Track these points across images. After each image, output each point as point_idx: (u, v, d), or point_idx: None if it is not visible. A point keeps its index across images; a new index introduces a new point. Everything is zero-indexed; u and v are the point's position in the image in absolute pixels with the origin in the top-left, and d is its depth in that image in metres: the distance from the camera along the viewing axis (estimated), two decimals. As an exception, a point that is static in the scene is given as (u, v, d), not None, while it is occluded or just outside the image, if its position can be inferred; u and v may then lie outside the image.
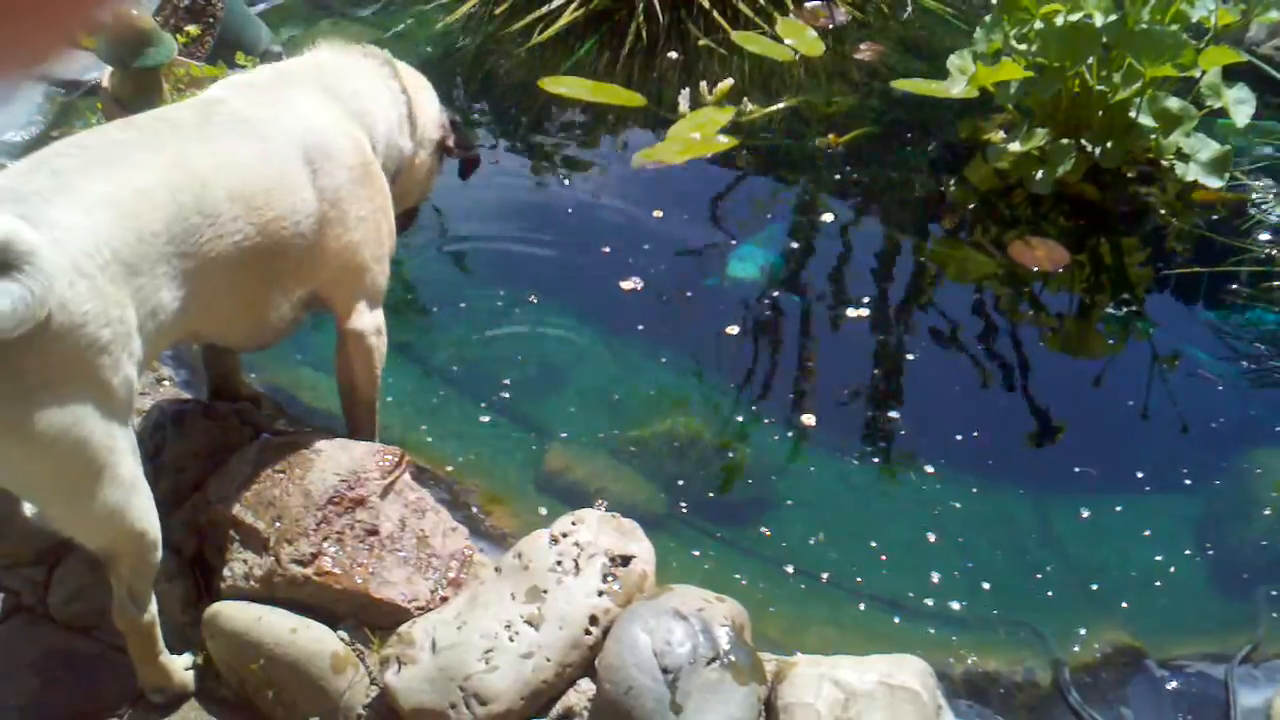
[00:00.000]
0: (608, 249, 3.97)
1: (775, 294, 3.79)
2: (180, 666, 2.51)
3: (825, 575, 2.88)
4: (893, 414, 3.34)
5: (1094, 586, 2.84)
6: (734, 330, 3.62)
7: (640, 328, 3.65)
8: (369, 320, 2.77)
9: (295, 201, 2.47)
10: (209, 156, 2.35)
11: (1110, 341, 3.68)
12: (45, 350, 1.99)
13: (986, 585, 2.84)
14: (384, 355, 2.83)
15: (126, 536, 2.24)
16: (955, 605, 2.79)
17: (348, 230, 2.61)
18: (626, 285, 3.77)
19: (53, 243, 1.99)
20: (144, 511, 2.26)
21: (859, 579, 2.87)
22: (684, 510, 3.04)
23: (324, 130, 2.56)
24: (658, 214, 4.13)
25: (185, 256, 2.25)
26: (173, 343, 2.63)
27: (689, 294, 3.82)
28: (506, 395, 3.34)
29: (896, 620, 2.78)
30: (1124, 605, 2.80)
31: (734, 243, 4.02)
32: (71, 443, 2.07)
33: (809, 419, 3.31)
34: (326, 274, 2.64)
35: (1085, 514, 3.02)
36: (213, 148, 2.38)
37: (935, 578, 2.85)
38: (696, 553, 2.92)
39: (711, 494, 3.09)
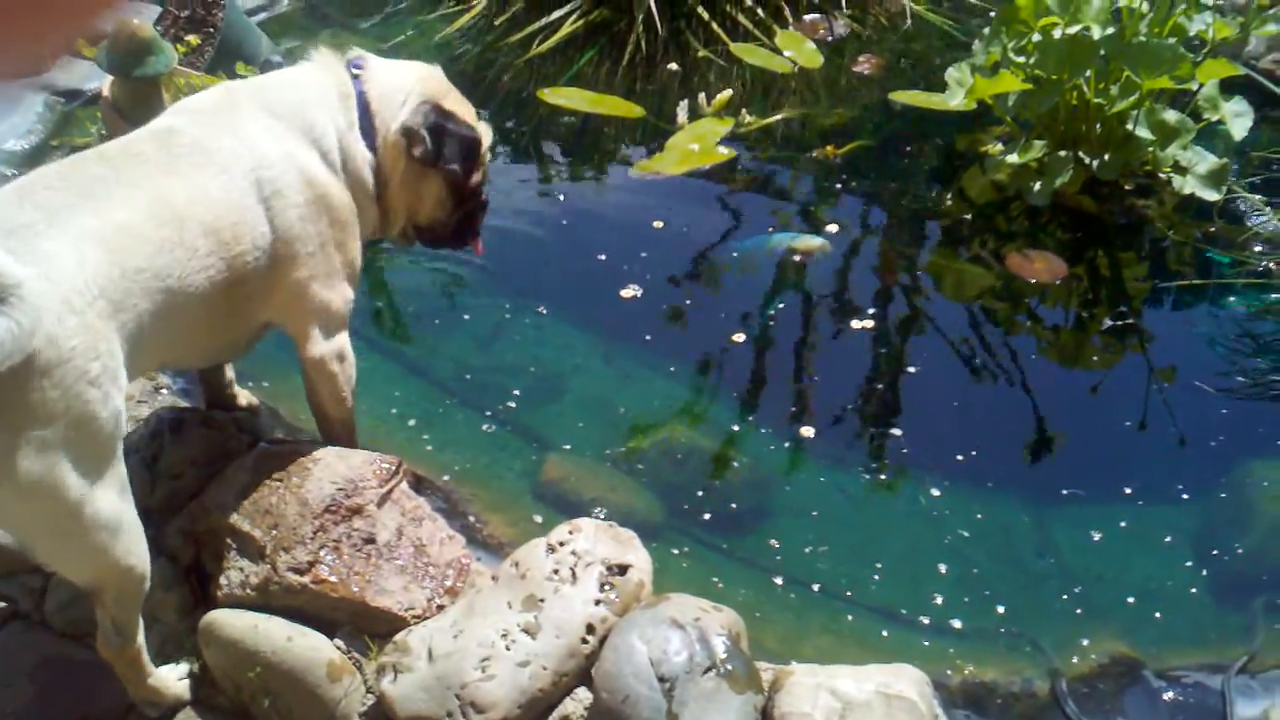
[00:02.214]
0: (607, 258, 3.98)
1: (773, 305, 3.79)
2: (172, 682, 2.50)
3: (822, 585, 2.87)
4: (890, 425, 3.34)
5: (1091, 597, 2.84)
6: (732, 341, 3.63)
7: (638, 337, 3.65)
8: (326, 347, 2.69)
9: (255, 235, 2.44)
10: (183, 191, 2.34)
11: (1108, 353, 3.68)
12: (32, 385, 1.96)
13: (984, 595, 2.84)
14: (351, 379, 2.76)
15: (111, 572, 2.23)
16: (952, 615, 2.79)
17: (296, 265, 2.55)
18: (625, 294, 3.78)
19: (43, 277, 1.98)
20: (130, 547, 2.23)
21: (856, 589, 2.87)
22: (681, 520, 3.04)
23: (273, 164, 2.49)
24: (658, 224, 4.14)
25: (166, 291, 2.25)
26: (151, 371, 2.65)
27: (687, 304, 3.83)
28: (504, 404, 3.34)
29: (894, 630, 2.78)
30: (1121, 616, 2.79)
31: (735, 255, 4.03)
32: (56, 481, 2.03)
33: (806, 430, 3.31)
34: (278, 304, 2.60)
35: (1082, 525, 3.02)
36: (185, 182, 2.36)
37: (933, 588, 2.85)
38: (694, 562, 2.92)
39: (709, 504, 3.09)
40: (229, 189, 2.41)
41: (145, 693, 2.45)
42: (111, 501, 2.16)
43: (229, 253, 2.39)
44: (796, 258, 3.95)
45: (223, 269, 2.38)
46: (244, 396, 3.08)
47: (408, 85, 2.76)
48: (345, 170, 2.63)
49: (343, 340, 2.72)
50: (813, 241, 4.02)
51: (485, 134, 2.91)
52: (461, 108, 2.85)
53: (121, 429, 2.17)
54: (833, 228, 4.16)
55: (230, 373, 3.05)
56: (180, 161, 2.39)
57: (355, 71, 2.71)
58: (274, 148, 2.51)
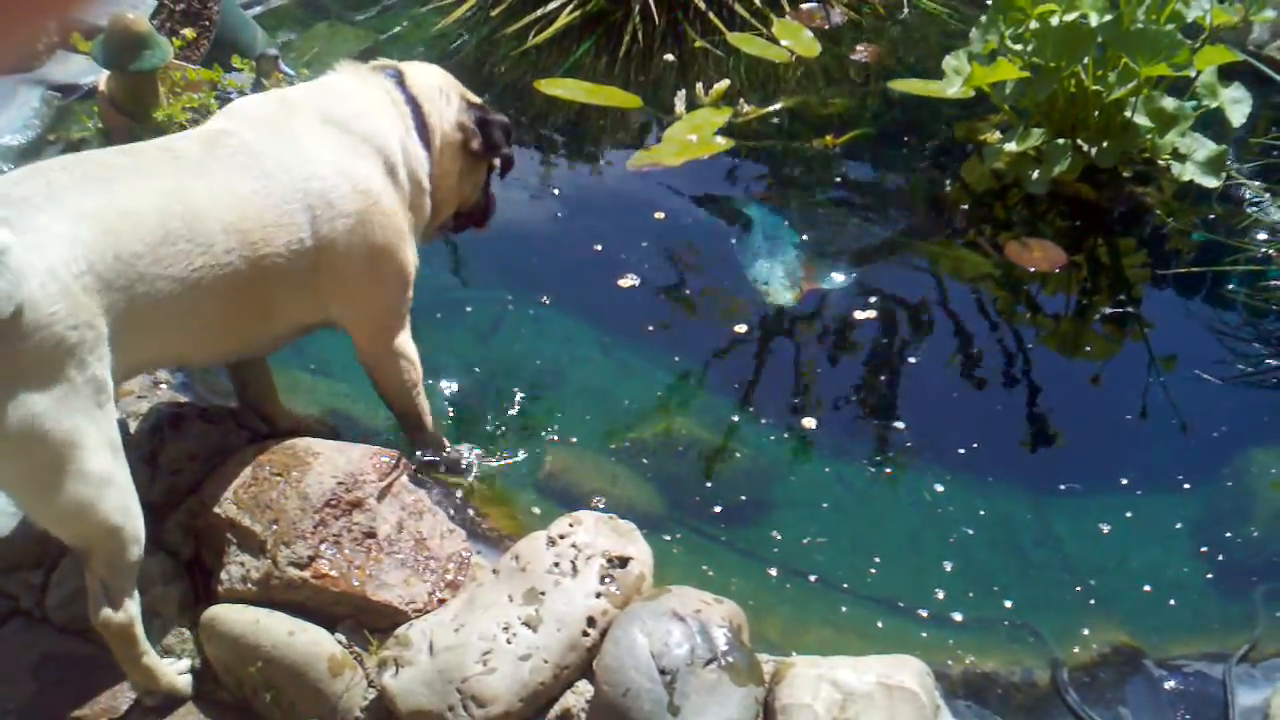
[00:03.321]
0: (606, 250, 3.98)
1: (771, 297, 3.78)
2: (167, 670, 2.50)
3: (823, 576, 2.87)
4: (890, 415, 3.34)
5: (1092, 586, 2.84)
6: (731, 332, 3.62)
7: (639, 329, 3.65)
8: (383, 346, 2.86)
9: (292, 241, 2.53)
10: (207, 189, 2.43)
11: (1107, 342, 3.68)
12: (12, 346, 2.08)
13: (985, 585, 2.84)
14: (414, 370, 2.91)
15: (98, 531, 2.27)
16: (953, 605, 2.79)
17: (344, 274, 2.66)
18: (625, 285, 3.77)
19: (32, 246, 2.10)
20: (117, 507, 2.28)
21: (857, 580, 2.87)
22: (682, 512, 3.04)
23: (326, 175, 2.59)
24: (659, 215, 4.13)
25: (171, 279, 2.33)
26: (159, 361, 2.71)
27: (687, 294, 3.83)
28: (505, 397, 3.34)
29: (894, 621, 2.77)
30: (1122, 605, 2.80)
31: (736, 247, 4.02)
32: (35, 436, 2.14)
33: (806, 421, 3.31)
34: (326, 308, 2.73)
35: (1083, 514, 3.02)
36: (212, 181, 2.45)
37: (933, 578, 2.85)
38: (694, 554, 2.92)
39: (710, 496, 3.09)
40: (268, 193, 2.50)
41: (139, 674, 2.45)
42: (98, 460, 2.23)
43: (255, 253, 2.47)
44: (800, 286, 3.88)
45: (243, 268, 2.45)
46: (288, 418, 3.04)
47: (441, 84, 2.93)
48: (407, 174, 2.76)
49: (399, 341, 2.87)
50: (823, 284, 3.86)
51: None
52: (474, 97, 3.03)
53: (104, 394, 2.24)
54: (824, 218, 4.16)
55: (272, 381, 3.03)
56: (216, 163, 2.49)
57: (394, 78, 2.84)
58: (328, 158, 2.61)
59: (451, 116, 2.90)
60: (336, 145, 2.64)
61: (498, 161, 3.09)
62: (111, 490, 2.26)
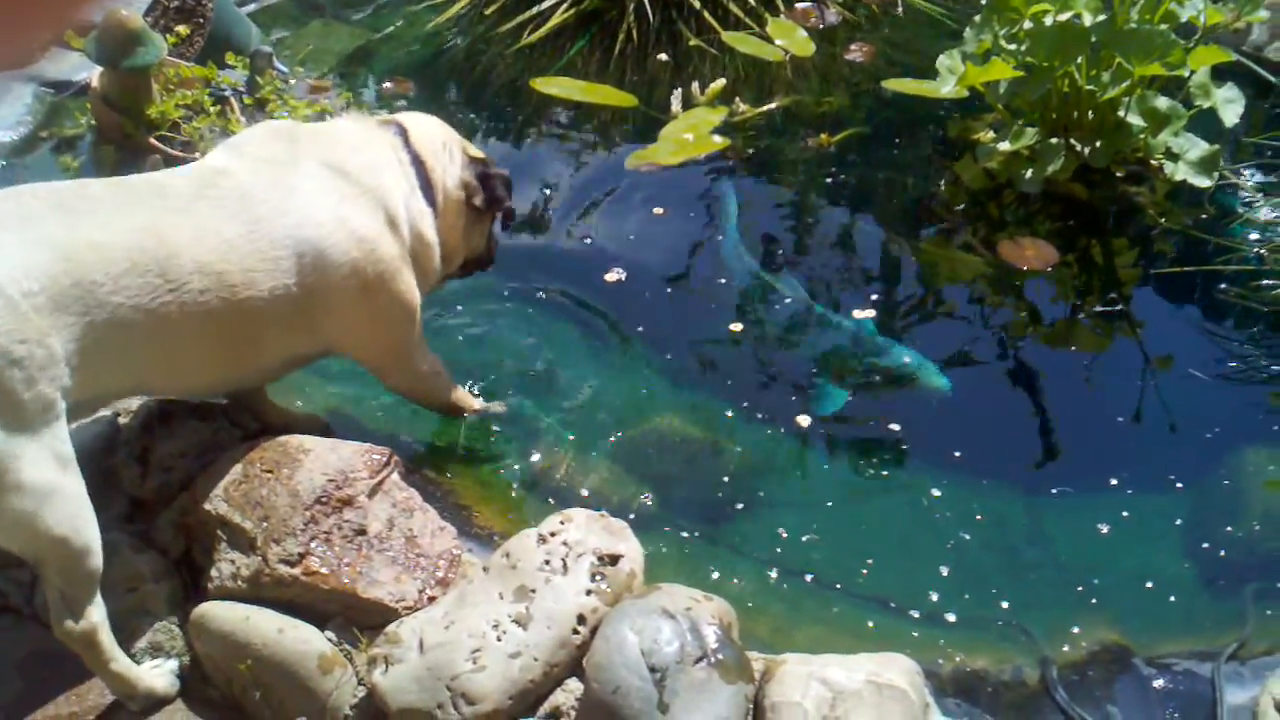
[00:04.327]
0: (601, 248, 3.98)
1: (766, 293, 3.78)
2: (143, 674, 2.49)
3: (813, 574, 2.87)
4: (882, 414, 3.34)
5: (1082, 585, 2.83)
6: (724, 330, 3.62)
7: (631, 326, 3.65)
8: (404, 378, 3.07)
9: (277, 286, 2.57)
10: (191, 228, 2.46)
11: (1099, 341, 3.68)
12: None
13: (975, 584, 2.84)
14: (440, 381, 3.11)
15: (44, 542, 2.27)
16: (943, 604, 2.79)
17: (347, 326, 2.78)
18: (619, 283, 3.77)
19: None
20: (64, 518, 2.28)
21: (847, 578, 2.86)
22: (673, 510, 3.04)
23: (322, 222, 2.63)
24: (658, 210, 4.14)
25: (136, 309, 2.36)
26: (136, 388, 2.71)
27: (681, 293, 3.83)
28: (495, 394, 3.34)
29: (885, 619, 2.77)
30: (1112, 603, 2.79)
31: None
32: None
33: (798, 419, 3.30)
34: (343, 348, 2.89)
35: (1074, 513, 3.03)
36: (197, 221, 2.49)
37: (923, 577, 2.85)
38: (685, 552, 2.92)
39: (700, 493, 3.09)
40: (254, 238, 2.53)
41: (113, 681, 2.45)
42: (40, 472, 2.23)
43: (234, 295, 2.50)
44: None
45: (221, 307, 2.48)
46: (280, 414, 3.06)
47: (444, 139, 3.00)
48: (410, 229, 2.81)
49: (418, 366, 3.02)
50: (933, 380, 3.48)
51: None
52: (473, 150, 3.13)
53: (54, 413, 2.26)
54: (818, 216, 4.16)
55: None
56: (205, 204, 2.52)
57: (399, 135, 2.90)
58: (327, 205, 2.65)
59: (455, 173, 2.99)
60: (338, 195, 2.68)
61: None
62: (54, 502, 2.26)
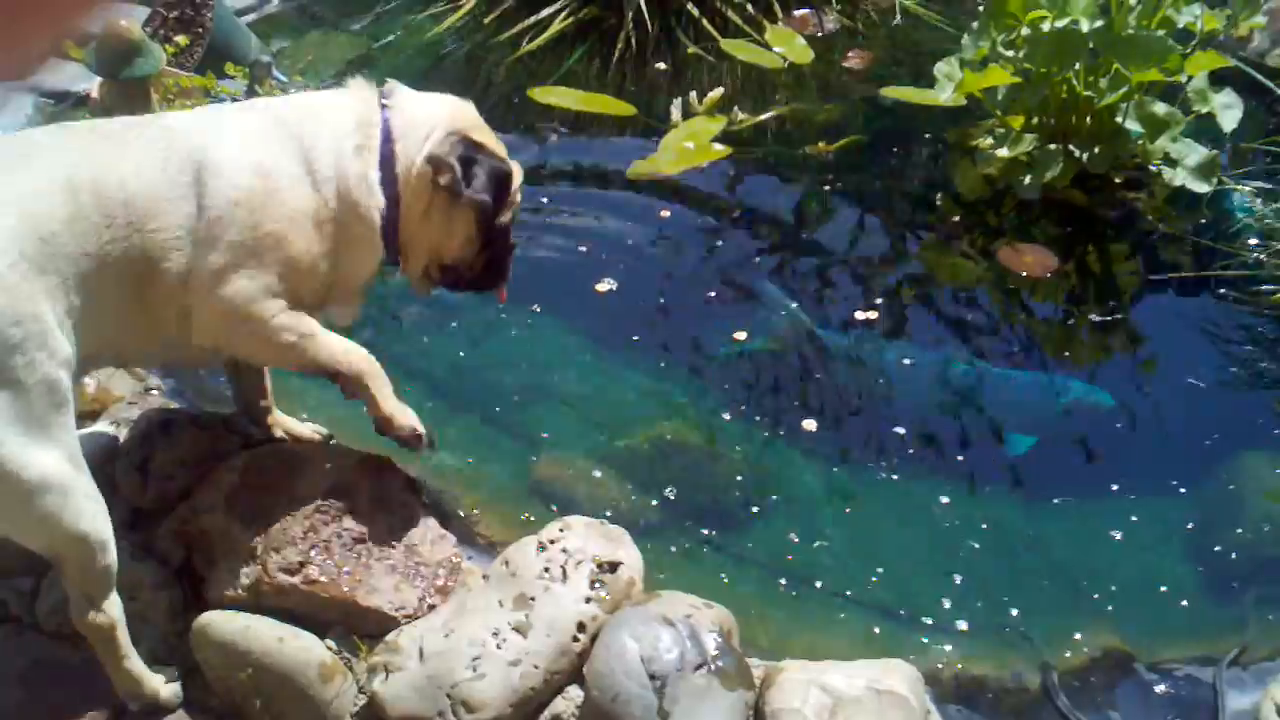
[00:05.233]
0: (601, 257, 3.98)
1: (765, 301, 3.79)
2: (152, 676, 2.49)
3: (814, 581, 2.87)
4: (882, 420, 3.34)
5: (1082, 590, 2.83)
6: (723, 338, 3.62)
7: (629, 335, 3.65)
8: (240, 330, 2.50)
9: (179, 217, 2.38)
10: (113, 162, 2.34)
11: (1098, 347, 3.68)
12: None
13: (975, 590, 2.84)
14: (305, 350, 2.56)
15: (65, 540, 2.25)
16: (944, 610, 2.78)
17: (217, 253, 2.41)
18: (617, 292, 3.78)
19: None
20: (82, 514, 2.24)
21: (847, 585, 2.86)
22: (672, 517, 3.04)
23: (225, 147, 2.44)
24: (664, 213, 4.16)
25: (87, 257, 2.25)
26: (99, 353, 2.45)
27: (681, 303, 3.83)
28: (496, 403, 3.34)
29: (885, 626, 2.77)
30: (1112, 609, 2.79)
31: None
32: None
33: (797, 425, 3.30)
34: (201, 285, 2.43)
35: (1074, 519, 3.03)
36: (120, 154, 2.36)
37: (924, 583, 2.85)
38: (685, 559, 2.92)
39: (699, 500, 3.09)
40: (164, 165, 2.38)
41: (122, 678, 2.44)
42: (56, 466, 2.18)
43: (144, 227, 2.33)
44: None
45: (139, 244, 2.32)
46: (281, 423, 2.97)
47: (436, 117, 2.67)
48: (338, 192, 2.52)
49: (265, 330, 2.50)
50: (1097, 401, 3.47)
51: (516, 172, 2.79)
52: (492, 141, 2.75)
53: (62, 396, 2.17)
54: (818, 223, 4.16)
55: (268, 387, 2.95)
56: (132, 135, 2.41)
57: (384, 101, 2.64)
58: (239, 137, 2.49)
59: (427, 148, 2.62)
60: (260, 134, 2.51)
61: (506, 217, 2.76)
62: (72, 498, 2.22)
